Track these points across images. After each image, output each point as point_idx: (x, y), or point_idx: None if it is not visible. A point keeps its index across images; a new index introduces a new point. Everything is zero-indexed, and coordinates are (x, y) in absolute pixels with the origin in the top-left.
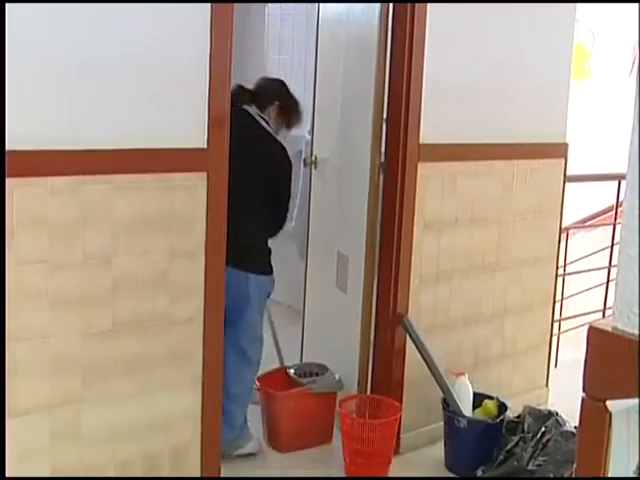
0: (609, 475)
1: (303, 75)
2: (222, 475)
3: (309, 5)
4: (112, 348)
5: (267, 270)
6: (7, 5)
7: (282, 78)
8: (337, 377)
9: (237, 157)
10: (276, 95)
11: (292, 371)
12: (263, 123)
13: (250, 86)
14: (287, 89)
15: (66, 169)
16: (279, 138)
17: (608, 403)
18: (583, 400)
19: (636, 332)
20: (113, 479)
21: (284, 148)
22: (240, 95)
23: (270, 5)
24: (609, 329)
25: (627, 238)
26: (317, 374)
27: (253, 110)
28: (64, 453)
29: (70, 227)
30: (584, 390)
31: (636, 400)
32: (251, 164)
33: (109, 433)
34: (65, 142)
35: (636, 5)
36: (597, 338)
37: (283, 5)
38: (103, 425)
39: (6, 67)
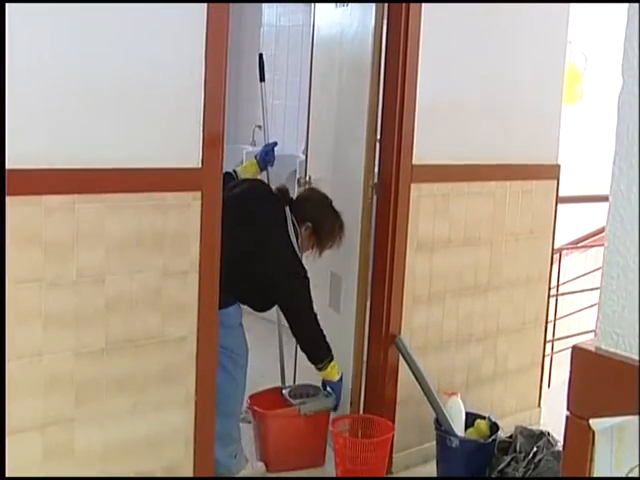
0: None
1: (297, 94)
2: None
3: (304, 24)
4: (105, 367)
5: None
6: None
7: (276, 97)
8: (330, 399)
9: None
10: (311, 216)
11: (286, 391)
12: (292, 233)
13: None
14: (327, 208)
15: (60, 188)
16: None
17: (591, 421)
18: (567, 419)
19: (619, 352)
20: (113, 479)
21: (297, 270)
22: (282, 196)
23: (265, 23)
24: (593, 349)
25: (609, 259)
26: (310, 395)
27: (290, 215)
28: (56, 471)
29: (64, 246)
30: (568, 409)
31: (619, 418)
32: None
33: (101, 452)
34: (59, 161)
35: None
36: (581, 358)
37: (278, 24)
38: (96, 444)
39: (6, 86)
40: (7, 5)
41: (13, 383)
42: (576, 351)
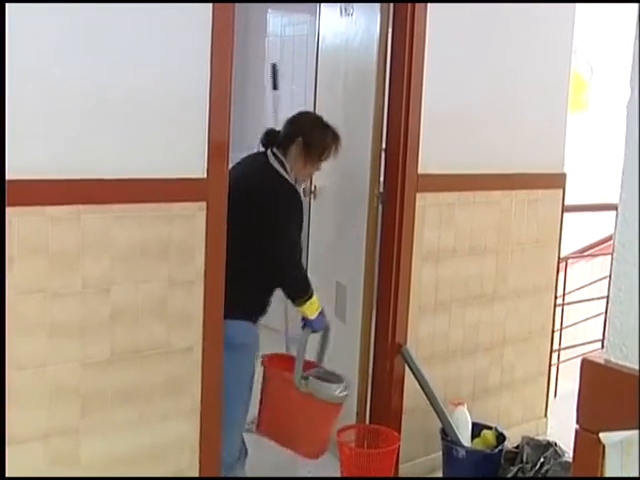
0: None
1: (303, 104)
2: None
3: (308, 34)
4: (110, 377)
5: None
6: (8, 35)
7: (281, 107)
8: (340, 396)
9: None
10: (299, 131)
11: (313, 370)
12: (274, 164)
13: None
14: (316, 120)
15: (66, 198)
16: (288, 178)
17: (601, 435)
18: (577, 432)
19: (628, 365)
20: (114, 479)
21: (280, 183)
22: (270, 138)
23: (270, 33)
24: (602, 362)
25: (618, 271)
26: (326, 380)
27: (274, 153)
28: None
29: (69, 256)
30: (578, 422)
31: (629, 432)
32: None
33: (106, 462)
34: (65, 171)
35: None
36: (590, 370)
37: (283, 34)
38: (101, 454)
39: (6, 96)
40: (13, 18)
41: (18, 393)
42: (585, 364)
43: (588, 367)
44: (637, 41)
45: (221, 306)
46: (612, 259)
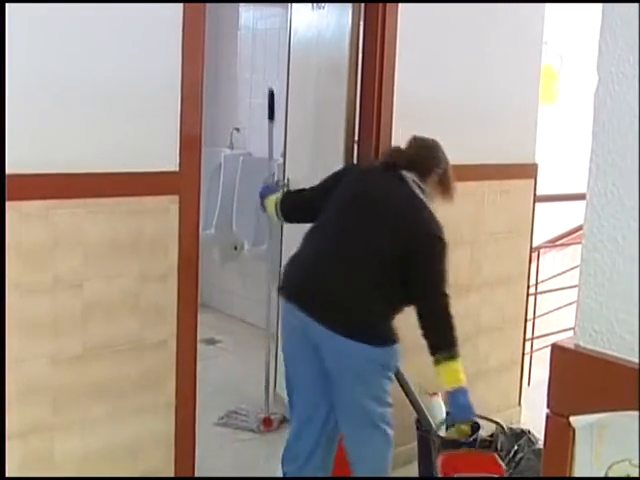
0: None
1: (276, 96)
2: None
3: (280, 27)
4: (83, 373)
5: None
6: None
7: (255, 98)
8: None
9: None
10: (439, 161)
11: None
12: (418, 192)
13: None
14: (444, 152)
15: (36, 193)
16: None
17: (571, 419)
18: (548, 417)
19: (597, 349)
20: (112, 479)
21: (438, 225)
22: (398, 158)
23: (242, 26)
24: (572, 346)
25: (587, 258)
26: None
27: (410, 177)
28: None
29: (41, 251)
30: (548, 407)
31: (599, 415)
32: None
33: (80, 459)
34: (35, 166)
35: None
36: (560, 356)
37: (255, 27)
38: (74, 451)
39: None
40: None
41: None
42: (555, 349)
43: (558, 352)
44: (603, 28)
45: (195, 299)
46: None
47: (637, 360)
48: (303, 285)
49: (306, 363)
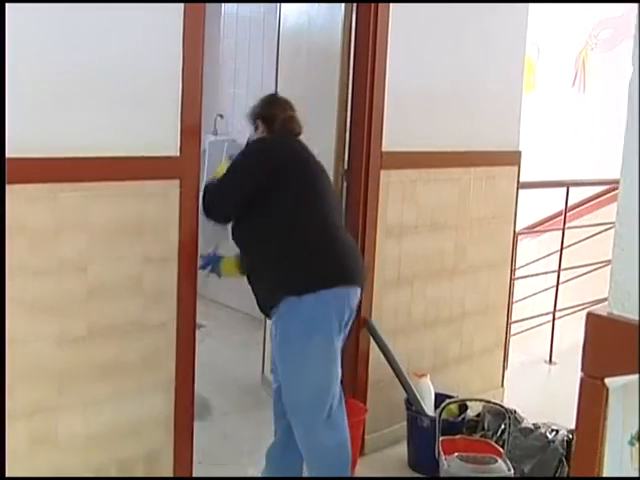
0: (606, 445)
1: (260, 82)
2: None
3: (266, 12)
4: (87, 354)
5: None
6: None
7: (238, 85)
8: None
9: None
10: (257, 111)
11: None
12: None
13: None
14: (268, 100)
15: (42, 177)
16: None
17: (606, 380)
18: (582, 380)
19: (630, 316)
20: (114, 479)
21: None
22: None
23: (225, 12)
24: (605, 314)
25: (621, 232)
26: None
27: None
28: (40, 460)
29: (46, 234)
30: (582, 370)
31: (632, 377)
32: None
33: (84, 439)
34: (41, 150)
35: (579, 17)
36: (594, 322)
37: (238, 13)
38: (78, 431)
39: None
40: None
41: None
42: (590, 317)
43: (593, 319)
44: (638, 20)
45: (194, 282)
46: (563, 232)
47: None
48: (352, 265)
49: (338, 342)
